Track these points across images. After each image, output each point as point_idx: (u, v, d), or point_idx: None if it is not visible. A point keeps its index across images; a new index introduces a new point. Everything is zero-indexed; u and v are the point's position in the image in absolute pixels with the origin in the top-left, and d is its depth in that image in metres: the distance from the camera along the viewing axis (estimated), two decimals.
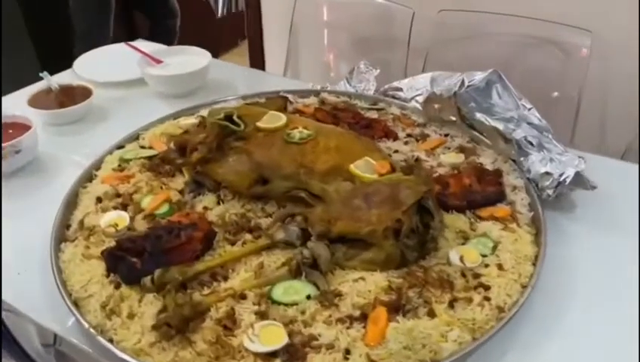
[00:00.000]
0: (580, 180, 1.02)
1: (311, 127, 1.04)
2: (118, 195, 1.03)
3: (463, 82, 1.18)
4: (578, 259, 0.93)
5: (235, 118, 1.05)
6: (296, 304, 0.81)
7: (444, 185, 1.02)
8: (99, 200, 1.02)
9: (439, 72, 1.31)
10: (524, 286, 0.84)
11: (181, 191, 1.04)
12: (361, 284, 0.83)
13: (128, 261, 0.86)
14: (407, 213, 0.85)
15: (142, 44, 1.67)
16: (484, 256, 0.88)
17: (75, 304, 0.83)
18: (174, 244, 0.88)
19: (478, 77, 1.17)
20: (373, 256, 0.85)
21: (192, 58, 1.51)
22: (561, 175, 1.02)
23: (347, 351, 0.74)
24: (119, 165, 1.12)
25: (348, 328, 0.77)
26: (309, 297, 0.81)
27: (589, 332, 0.82)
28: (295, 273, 0.85)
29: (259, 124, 1.04)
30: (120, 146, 1.19)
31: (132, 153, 1.15)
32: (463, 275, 0.85)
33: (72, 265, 0.89)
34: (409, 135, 1.22)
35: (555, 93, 1.66)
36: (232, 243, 0.92)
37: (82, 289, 0.85)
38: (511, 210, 0.99)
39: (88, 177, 1.10)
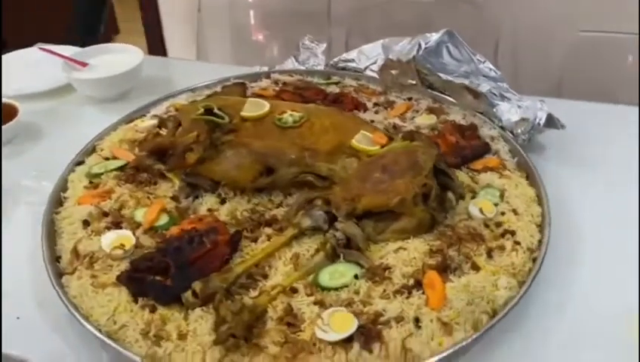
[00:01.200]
0: (551, 121, 1.10)
1: (298, 108, 1.01)
2: (105, 214, 0.93)
3: (419, 45, 1.22)
4: (572, 195, 1.01)
5: (216, 110, 0.99)
6: (346, 286, 0.80)
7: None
8: (86, 223, 0.91)
9: (388, 38, 1.34)
10: (539, 226, 0.91)
11: (174, 198, 0.96)
12: (403, 254, 0.83)
13: (156, 281, 0.79)
14: (430, 177, 0.87)
15: (53, 47, 1.50)
16: (495, 204, 0.93)
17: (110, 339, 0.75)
18: (200, 253, 0.82)
19: (434, 38, 1.22)
20: (405, 224, 0.86)
21: (118, 56, 1.39)
22: (535, 119, 1.10)
23: (417, 320, 0.74)
24: (90, 182, 1.01)
25: (407, 298, 0.77)
26: (356, 277, 0.81)
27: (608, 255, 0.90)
28: (331, 257, 0.84)
29: (243, 113, 0.99)
30: (79, 162, 1.07)
31: (99, 167, 1.04)
32: (487, 226, 0.89)
33: (87, 299, 0.80)
34: (376, 104, 1.24)
35: None
36: (254, 241, 0.88)
37: (110, 321, 0.77)
38: (499, 159, 1.05)
39: (57, 202, 0.98)
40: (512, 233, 0.87)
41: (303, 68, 1.38)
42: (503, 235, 0.87)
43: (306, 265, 0.83)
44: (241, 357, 0.71)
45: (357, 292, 0.79)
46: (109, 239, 0.87)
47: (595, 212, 0.98)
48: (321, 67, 1.39)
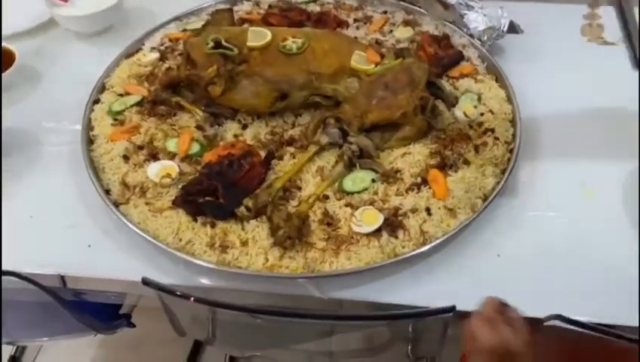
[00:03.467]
0: (512, 27, 1.26)
1: (297, 34, 1.11)
2: (140, 147, 1.04)
3: None
4: (531, 87, 1.18)
5: (224, 43, 1.08)
6: (366, 189, 0.97)
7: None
8: (125, 158, 1.02)
9: None
10: (511, 121, 1.09)
11: (199, 127, 1.07)
12: (409, 158, 1.01)
13: (210, 201, 0.93)
14: (425, 90, 1.02)
15: None
16: (475, 107, 1.11)
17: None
18: (241, 174, 0.96)
19: None
20: (407, 132, 1.03)
21: None
22: (499, 26, 1.25)
23: (428, 209, 0.93)
24: (115, 119, 1.10)
25: (417, 193, 0.96)
26: (374, 181, 0.98)
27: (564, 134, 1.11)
28: (349, 166, 1.00)
29: (249, 43, 1.08)
30: (95, 100, 1.15)
31: (118, 104, 1.12)
32: (470, 126, 1.07)
33: (150, 223, 0.93)
34: (356, 20, 1.35)
35: None
36: (280, 159, 1.02)
37: (176, 239, 0.91)
38: (472, 65, 1.21)
39: (87, 141, 1.07)
40: (492, 130, 1.06)
41: None
42: (485, 133, 1.06)
43: (330, 175, 0.99)
44: (296, 252, 0.88)
45: (376, 193, 0.96)
46: (155, 169, 0.99)
47: (551, 99, 1.16)
48: None
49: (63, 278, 0.93)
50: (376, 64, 1.09)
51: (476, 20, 1.28)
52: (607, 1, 1.44)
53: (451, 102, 1.05)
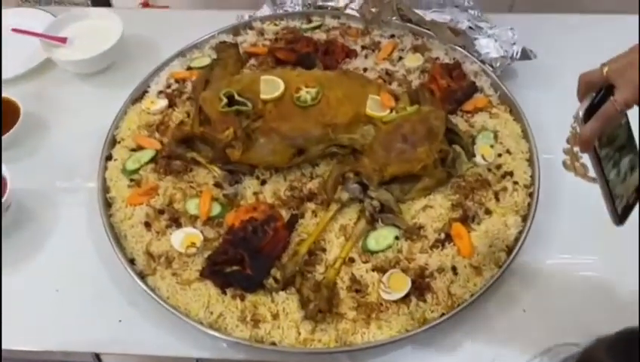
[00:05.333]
0: (525, 54, 1.24)
1: (310, 81, 1.09)
2: (161, 212, 1.04)
3: None
4: (546, 115, 1.17)
5: (237, 97, 1.06)
6: (390, 246, 0.98)
7: (432, 94, 1.18)
8: (147, 225, 1.02)
9: None
10: (528, 160, 1.09)
11: (217, 185, 1.07)
12: (431, 212, 1.01)
13: (237, 272, 0.93)
14: (444, 141, 1.02)
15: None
16: (491, 146, 1.10)
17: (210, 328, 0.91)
18: (266, 241, 0.96)
19: None
20: (426, 183, 1.02)
21: (93, 24, 1.36)
22: (512, 54, 1.23)
23: (454, 268, 0.95)
24: (131, 180, 1.09)
25: (442, 250, 0.97)
26: (397, 238, 0.98)
27: None
28: (371, 222, 1.00)
29: (263, 96, 1.06)
30: (107, 156, 1.13)
31: (132, 161, 1.11)
32: (489, 170, 1.07)
33: (180, 297, 0.94)
34: (363, 47, 1.32)
35: None
36: (302, 216, 1.02)
37: (207, 312, 0.92)
38: (486, 97, 1.20)
39: (105, 204, 1.07)
40: (511, 174, 1.06)
41: (281, 12, 1.41)
42: (503, 176, 1.06)
43: (353, 234, 0.99)
44: (327, 325, 0.90)
45: (400, 251, 0.97)
46: (179, 239, 0.99)
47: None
48: (299, 7, 1.41)
49: (98, 356, 0.94)
50: (392, 109, 1.08)
51: (487, 46, 1.26)
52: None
53: (471, 153, 1.04)
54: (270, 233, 0.96)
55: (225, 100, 1.05)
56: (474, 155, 1.05)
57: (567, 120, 1.07)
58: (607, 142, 0.71)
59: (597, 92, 0.70)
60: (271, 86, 1.09)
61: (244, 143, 1.01)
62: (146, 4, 1.82)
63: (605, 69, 0.69)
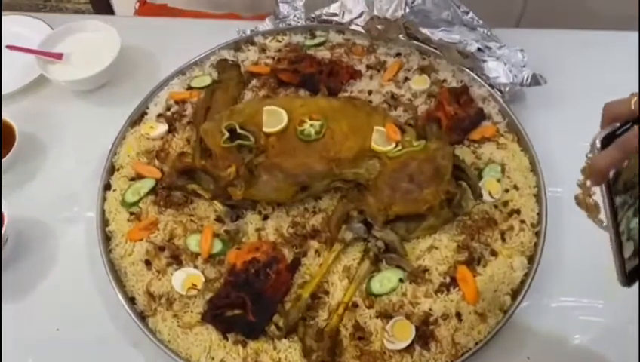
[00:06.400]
0: (535, 80, 1.20)
1: (314, 113, 1.06)
2: (161, 248, 1.02)
3: (406, 2, 1.23)
4: (555, 145, 1.14)
5: (239, 131, 1.03)
6: (394, 289, 0.96)
7: (438, 123, 1.15)
8: (148, 263, 1.00)
9: None
10: (535, 196, 1.07)
11: (218, 219, 1.05)
12: (436, 253, 0.99)
13: (239, 317, 0.92)
14: (452, 181, 0.99)
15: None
16: (498, 180, 1.08)
17: None
18: (269, 284, 0.94)
19: None
20: (432, 222, 1.00)
21: (88, 37, 1.32)
22: (522, 80, 1.20)
23: (458, 315, 0.94)
24: (130, 213, 1.06)
25: (447, 295, 0.95)
26: (401, 280, 0.97)
27: None
28: (375, 262, 0.99)
29: (266, 129, 1.04)
30: (106, 185, 1.11)
31: (132, 193, 1.08)
32: (496, 207, 1.05)
33: (180, 341, 0.93)
34: (368, 67, 1.28)
35: None
36: (304, 255, 1.01)
37: (208, 358, 0.92)
38: (494, 125, 1.17)
39: (104, 238, 1.05)
40: (518, 211, 1.04)
41: (283, 26, 1.36)
42: (510, 214, 1.04)
43: (357, 275, 0.97)
44: None
45: (404, 294, 0.96)
46: (180, 280, 0.97)
47: (576, 157, 1.10)
48: (302, 21, 1.37)
49: None
50: (397, 142, 1.05)
51: (497, 70, 1.22)
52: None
53: (478, 193, 1.02)
54: (273, 276, 0.95)
55: (227, 134, 1.02)
56: (481, 196, 1.02)
57: (576, 146, 0.99)
58: (623, 188, 0.63)
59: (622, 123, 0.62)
60: (274, 118, 1.06)
61: (246, 182, 0.99)
62: (144, 3, 1.78)
63: (634, 100, 0.60)
